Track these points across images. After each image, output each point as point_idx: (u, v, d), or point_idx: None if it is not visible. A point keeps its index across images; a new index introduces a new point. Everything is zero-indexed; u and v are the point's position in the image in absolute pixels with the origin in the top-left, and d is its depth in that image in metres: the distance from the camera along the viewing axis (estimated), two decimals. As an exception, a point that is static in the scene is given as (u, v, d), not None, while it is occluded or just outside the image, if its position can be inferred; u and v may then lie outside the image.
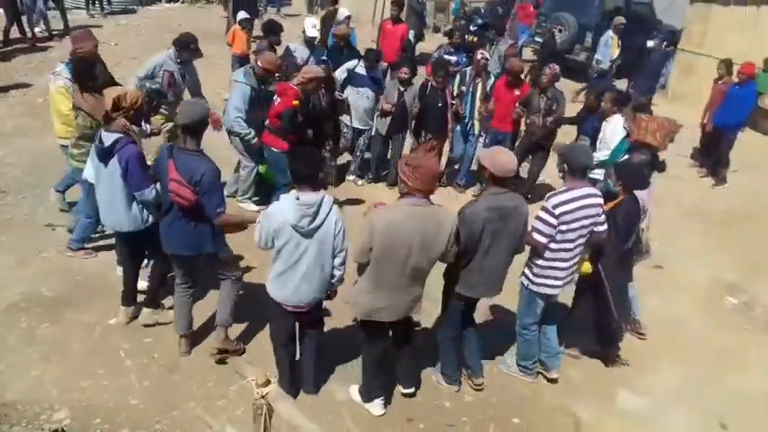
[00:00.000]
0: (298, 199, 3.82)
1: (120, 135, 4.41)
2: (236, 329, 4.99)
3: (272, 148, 6.35)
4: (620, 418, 4.80)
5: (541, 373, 5.01)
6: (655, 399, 4.99)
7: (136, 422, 4.18)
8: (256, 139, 6.51)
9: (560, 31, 14.29)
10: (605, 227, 4.57)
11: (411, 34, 8.89)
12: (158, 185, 4.43)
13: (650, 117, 6.24)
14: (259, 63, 6.48)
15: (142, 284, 5.15)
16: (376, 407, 4.49)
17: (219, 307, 4.69)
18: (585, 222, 4.41)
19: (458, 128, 8.00)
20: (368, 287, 4.00)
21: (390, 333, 4.35)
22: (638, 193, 4.97)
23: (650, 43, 12.90)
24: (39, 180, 6.99)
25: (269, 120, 6.31)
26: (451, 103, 7.71)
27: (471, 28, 12.10)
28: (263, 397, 3.11)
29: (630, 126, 6.25)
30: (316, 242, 3.93)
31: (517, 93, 7.77)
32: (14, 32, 11.83)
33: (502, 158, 4.15)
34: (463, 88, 7.92)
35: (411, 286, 4.00)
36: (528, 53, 15.21)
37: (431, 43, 14.06)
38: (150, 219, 4.67)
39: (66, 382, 4.42)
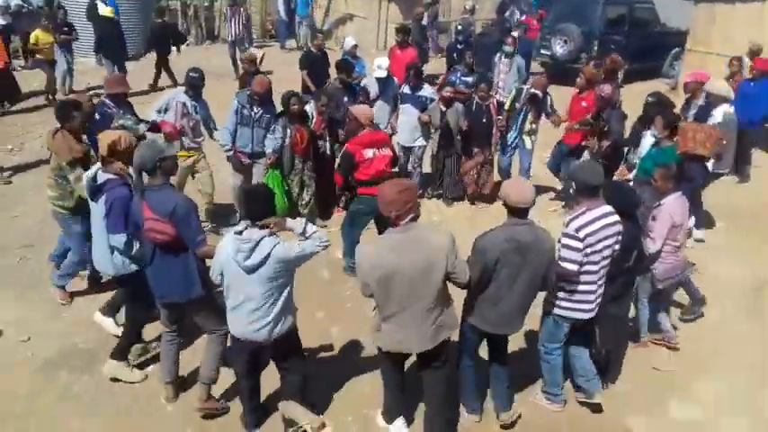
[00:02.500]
0: (239, 233, 3.77)
1: (113, 176, 4.47)
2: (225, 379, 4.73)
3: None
4: (675, 427, 4.66)
5: (583, 402, 4.77)
6: (708, 406, 4.85)
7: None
8: (231, 152, 7.06)
9: (565, 42, 14.30)
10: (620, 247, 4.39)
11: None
12: (131, 237, 4.38)
13: (695, 126, 5.92)
14: (252, 86, 7.02)
15: (115, 329, 5.18)
16: (398, 428, 4.37)
17: (204, 362, 4.50)
18: (608, 242, 4.24)
19: (509, 141, 8.09)
20: (383, 319, 3.90)
21: (419, 362, 4.14)
22: (670, 206, 4.87)
23: None
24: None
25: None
26: (498, 118, 7.90)
27: (458, 46, 12.23)
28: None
29: (660, 133, 6.09)
30: (259, 279, 3.79)
31: (584, 104, 7.75)
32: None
33: (516, 189, 4.03)
34: (517, 105, 7.99)
35: (428, 315, 3.80)
36: (535, 66, 15.22)
37: (434, 65, 14.09)
38: (132, 266, 4.61)
39: (109, 435, 4.36)
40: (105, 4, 13.95)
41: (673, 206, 4.99)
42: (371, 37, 16.46)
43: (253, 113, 7.01)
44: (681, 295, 5.93)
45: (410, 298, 3.73)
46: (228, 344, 4.40)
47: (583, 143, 7.69)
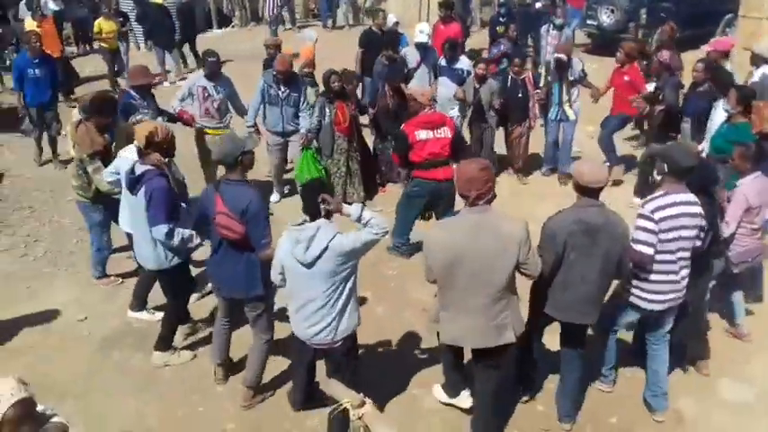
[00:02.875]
0: (298, 225, 3.71)
1: (151, 167, 4.49)
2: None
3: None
4: (725, 409, 4.56)
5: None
6: (759, 386, 4.74)
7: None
8: (254, 128, 7.22)
9: (612, 11, 13.88)
10: (701, 239, 4.16)
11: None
12: (175, 228, 4.41)
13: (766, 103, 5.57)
14: (274, 65, 7.17)
15: (146, 316, 5.39)
16: (464, 400, 4.37)
17: (248, 367, 4.52)
18: (686, 234, 3.98)
19: (551, 115, 8.01)
20: (443, 307, 3.79)
21: (474, 356, 3.97)
22: (746, 188, 4.65)
23: None
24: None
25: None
26: (535, 93, 7.89)
27: (500, 19, 11.95)
28: (359, 418, 3.07)
29: (734, 108, 5.80)
30: (320, 275, 3.68)
31: (627, 78, 7.65)
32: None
33: (591, 168, 3.87)
34: (549, 78, 7.96)
35: (490, 308, 3.62)
36: (581, 36, 14.86)
37: (477, 39, 13.89)
38: (175, 259, 4.68)
39: (163, 412, 4.53)
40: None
41: (749, 188, 4.72)
42: (414, 12, 16.26)
43: (280, 92, 7.12)
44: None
45: (474, 285, 3.58)
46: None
47: (634, 110, 7.57)
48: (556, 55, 7.83)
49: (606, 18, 13.99)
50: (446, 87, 8.04)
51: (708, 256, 4.48)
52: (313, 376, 4.37)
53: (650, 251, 3.97)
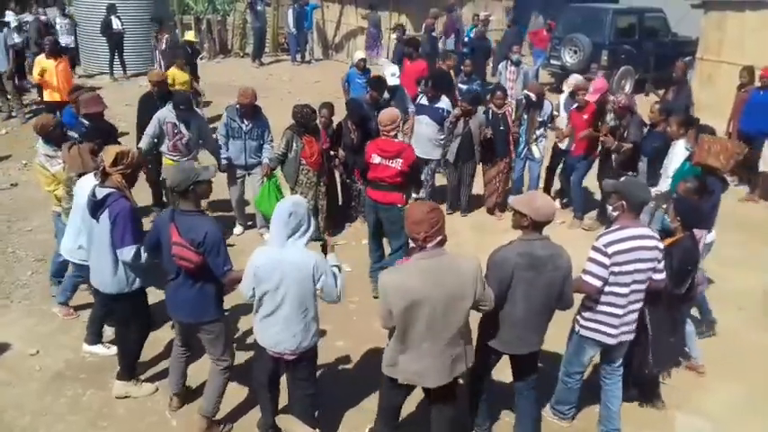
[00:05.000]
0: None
1: (114, 190, 4.43)
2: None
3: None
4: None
5: None
6: (716, 420, 4.79)
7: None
8: (224, 162, 7.17)
9: (575, 52, 14.29)
10: (664, 275, 4.23)
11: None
12: (142, 249, 4.41)
13: (713, 138, 5.80)
14: (238, 97, 7.06)
15: (101, 350, 5.31)
16: None
17: (206, 395, 4.47)
18: (641, 266, 4.06)
19: (518, 153, 8.16)
20: (401, 350, 3.72)
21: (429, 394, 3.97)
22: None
23: None
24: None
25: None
26: (513, 127, 7.98)
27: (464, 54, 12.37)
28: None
29: (693, 146, 5.99)
30: (294, 285, 3.83)
31: (585, 117, 7.73)
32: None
33: (547, 203, 3.95)
34: (519, 113, 8.11)
35: (449, 347, 3.66)
36: (545, 76, 15.26)
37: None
38: (137, 282, 4.64)
39: (114, 449, 4.39)
40: (119, 20, 14.23)
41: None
42: (382, 50, 16.53)
43: (243, 126, 7.10)
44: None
45: (435, 328, 3.57)
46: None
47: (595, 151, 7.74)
48: (525, 92, 7.96)
49: (569, 58, 14.41)
50: (427, 126, 8.04)
51: (690, 300, 4.56)
52: (277, 395, 4.33)
53: (598, 284, 4.05)
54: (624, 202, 4.14)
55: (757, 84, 9.18)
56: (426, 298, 3.49)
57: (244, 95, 7.02)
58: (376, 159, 5.99)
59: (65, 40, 13.80)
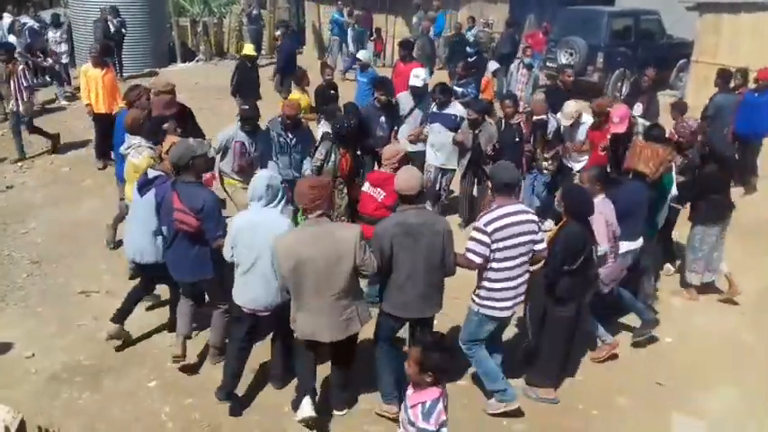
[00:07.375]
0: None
1: (162, 173, 5.04)
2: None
3: None
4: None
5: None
6: (712, 421, 4.82)
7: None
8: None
9: (571, 54, 14.32)
10: (544, 244, 4.59)
11: (425, 71, 8.87)
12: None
13: (646, 144, 5.82)
14: (283, 110, 6.72)
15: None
16: (305, 404, 4.40)
17: (212, 330, 5.15)
18: (523, 239, 4.43)
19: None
20: (297, 307, 4.21)
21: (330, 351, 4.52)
22: (598, 206, 4.89)
23: None
24: (71, 249, 7.12)
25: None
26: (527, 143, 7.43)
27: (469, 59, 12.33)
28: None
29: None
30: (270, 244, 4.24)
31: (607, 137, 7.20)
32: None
33: (403, 177, 4.38)
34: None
35: (337, 305, 4.15)
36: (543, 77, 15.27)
37: (439, 76, 14.12)
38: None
39: (110, 451, 4.39)
40: (119, 22, 14.20)
41: (601, 206, 5.02)
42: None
43: (289, 140, 6.67)
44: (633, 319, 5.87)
45: (320, 287, 4.09)
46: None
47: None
48: (534, 119, 7.46)
49: (565, 60, 14.40)
50: (440, 134, 7.53)
51: (576, 275, 4.69)
52: (248, 351, 4.78)
53: (478, 260, 4.41)
54: (491, 183, 4.65)
55: (752, 85, 9.21)
56: (309, 258, 4.03)
57: (290, 107, 6.64)
58: (365, 187, 5.66)
59: (59, 50, 13.41)
